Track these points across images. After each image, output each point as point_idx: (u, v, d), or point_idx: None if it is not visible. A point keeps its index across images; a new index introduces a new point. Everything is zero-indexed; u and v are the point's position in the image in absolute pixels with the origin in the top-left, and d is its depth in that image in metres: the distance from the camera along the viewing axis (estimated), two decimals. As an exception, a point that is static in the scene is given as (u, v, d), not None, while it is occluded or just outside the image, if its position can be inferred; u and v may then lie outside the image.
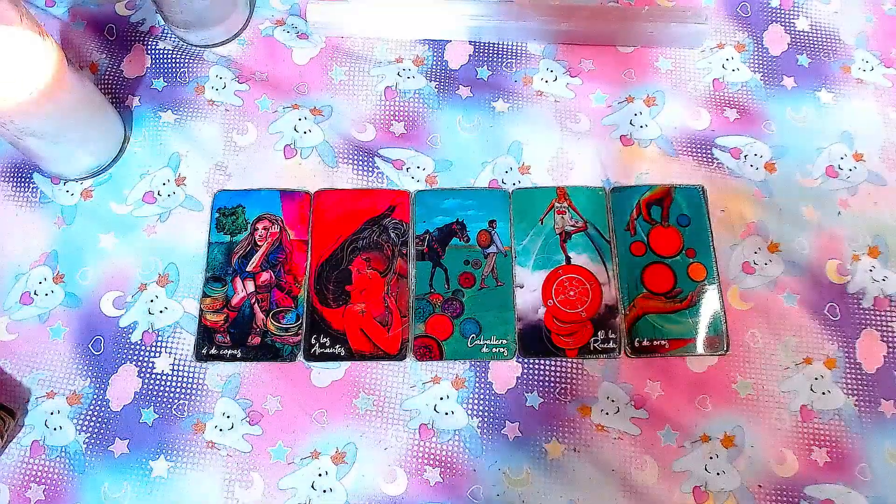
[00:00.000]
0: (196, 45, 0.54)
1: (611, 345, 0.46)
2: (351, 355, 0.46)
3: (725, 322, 0.46)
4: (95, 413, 0.45)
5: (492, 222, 0.49)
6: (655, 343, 0.46)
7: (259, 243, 0.48)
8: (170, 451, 0.44)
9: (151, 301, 0.47)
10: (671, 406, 0.45)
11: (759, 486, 0.43)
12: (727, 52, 0.54)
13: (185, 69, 0.53)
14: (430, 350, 0.46)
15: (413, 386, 0.45)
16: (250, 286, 0.47)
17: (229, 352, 0.46)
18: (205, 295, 0.47)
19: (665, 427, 0.44)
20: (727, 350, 0.46)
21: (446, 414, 0.45)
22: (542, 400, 0.45)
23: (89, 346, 0.46)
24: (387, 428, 0.44)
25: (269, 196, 0.49)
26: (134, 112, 0.52)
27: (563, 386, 0.45)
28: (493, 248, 0.48)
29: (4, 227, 0.49)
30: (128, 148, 0.51)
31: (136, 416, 0.45)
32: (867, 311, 0.47)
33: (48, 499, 0.43)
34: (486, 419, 0.45)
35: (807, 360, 0.46)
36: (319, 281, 0.47)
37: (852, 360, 0.46)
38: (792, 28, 0.55)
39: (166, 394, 0.45)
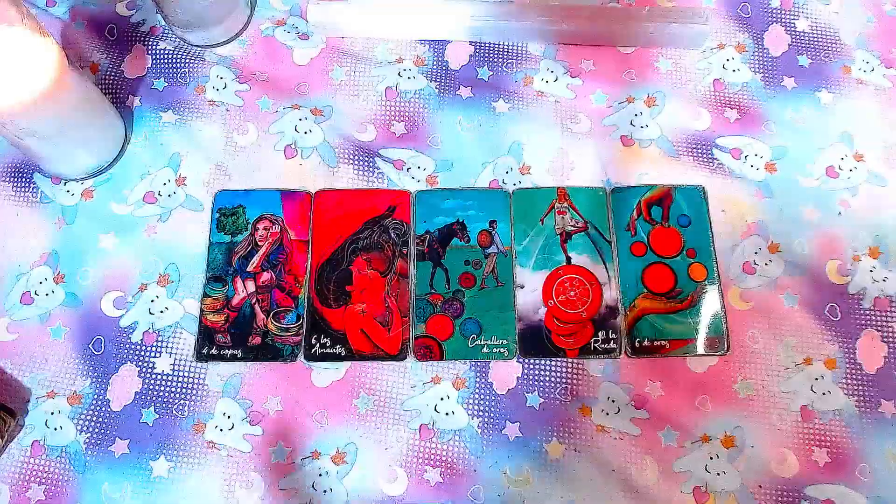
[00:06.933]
0: (197, 46, 0.54)
1: (611, 345, 0.46)
2: (351, 355, 0.46)
3: (726, 322, 0.46)
4: (96, 413, 0.45)
5: (492, 222, 0.49)
6: (656, 343, 0.46)
7: (259, 243, 0.48)
8: (170, 451, 0.44)
9: (152, 301, 0.47)
10: (672, 406, 0.45)
11: (760, 486, 0.43)
12: (727, 52, 0.54)
13: (186, 69, 0.53)
14: (430, 350, 0.46)
15: (413, 386, 0.45)
16: (251, 286, 0.47)
17: (230, 352, 0.46)
18: (205, 295, 0.47)
19: (665, 427, 0.44)
20: (727, 350, 0.46)
21: (447, 414, 0.45)
22: (542, 400, 0.45)
23: (90, 346, 0.46)
24: (387, 428, 0.44)
25: (269, 196, 0.49)
26: (134, 112, 0.52)
27: (564, 386, 0.45)
28: (493, 249, 0.48)
29: (5, 227, 0.49)
30: (128, 148, 0.51)
31: (137, 416, 0.45)
32: (867, 312, 0.47)
33: (48, 499, 0.43)
34: (486, 419, 0.45)
35: (807, 360, 0.46)
36: (320, 281, 0.47)
37: (853, 361, 0.46)
38: (792, 28, 0.55)
39: (167, 394, 0.45)
